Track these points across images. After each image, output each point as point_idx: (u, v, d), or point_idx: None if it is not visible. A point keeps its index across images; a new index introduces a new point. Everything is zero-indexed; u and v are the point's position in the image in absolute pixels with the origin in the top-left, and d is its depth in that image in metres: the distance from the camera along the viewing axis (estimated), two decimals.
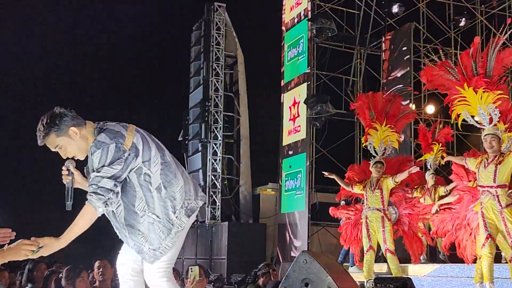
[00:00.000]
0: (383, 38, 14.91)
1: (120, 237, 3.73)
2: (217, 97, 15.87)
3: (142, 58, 19.46)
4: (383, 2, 14.99)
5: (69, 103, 3.64)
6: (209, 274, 12.47)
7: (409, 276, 7.51)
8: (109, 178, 3.42)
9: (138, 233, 3.59)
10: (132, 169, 3.53)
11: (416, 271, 9.01)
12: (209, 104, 15.69)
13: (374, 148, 9.13)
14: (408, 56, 13.98)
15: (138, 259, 3.74)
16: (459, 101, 6.76)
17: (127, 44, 19.34)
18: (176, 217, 3.61)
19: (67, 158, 3.62)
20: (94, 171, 3.44)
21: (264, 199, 15.66)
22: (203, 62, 16.24)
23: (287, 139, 14.21)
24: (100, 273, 5.80)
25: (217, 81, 15.94)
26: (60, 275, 6.06)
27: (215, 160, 15.57)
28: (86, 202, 3.46)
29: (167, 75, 19.13)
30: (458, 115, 6.90)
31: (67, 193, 3.57)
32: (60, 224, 3.65)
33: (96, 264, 5.89)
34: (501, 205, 6.39)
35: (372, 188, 8.71)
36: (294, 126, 13.96)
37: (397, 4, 14.68)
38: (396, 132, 9.16)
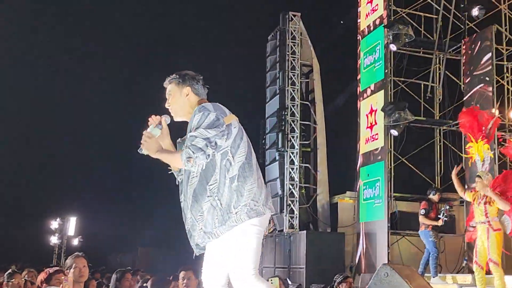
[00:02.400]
0: (463, 42, 14.53)
1: (182, 206, 3.84)
2: (293, 106, 15.90)
3: (217, 70, 19.77)
4: (462, 5, 14.64)
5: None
6: (288, 283, 12.50)
7: None
8: (202, 139, 3.61)
9: (199, 209, 3.69)
10: (220, 149, 3.70)
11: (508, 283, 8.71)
12: (286, 113, 15.73)
13: (476, 162, 9.09)
14: (490, 60, 13.55)
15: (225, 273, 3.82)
16: None
17: (202, 54, 19.72)
18: (236, 212, 3.67)
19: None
20: (190, 131, 3.69)
21: (342, 207, 15.52)
22: (279, 71, 16.32)
23: (364, 147, 14.06)
24: (184, 284, 5.87)
25: (293, 90, 15.96)
26: (145, 284, 6.17)
27: (292, 169, 15.59)
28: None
29: (244, 85, 19.37)
30: None
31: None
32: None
33: (181, 274, 5.95)
34: None
35: (478, 202, 8.67)
36: (372, 134, 13.79)
37: (477, 6, 14.27)
38: (487, 142, 9.04)
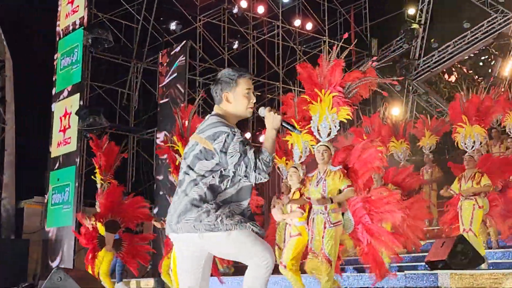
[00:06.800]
0: (160, 53, 15.04)
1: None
2: None
3: None
4: (161, 19, 15.18)
5: None
6: None
7: None
8: None
9: None
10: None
11: None
12: None
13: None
14: (184, 74, 14.24)
15: None
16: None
17: None
18: None
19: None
20: None
21: (28, 213, 14.72)
22: None
23: (56, 151, 13.60)
24: None
25: None
26: None
27: None
28: None
29: None
30: None
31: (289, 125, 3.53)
32: None
33: None
34: (329, 223, 6.01)
35: None
36: (64, 137, 13.41)
37: (175, 22, 14.98)
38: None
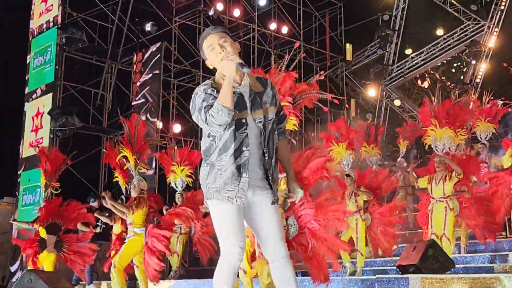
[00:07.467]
0: (135, 54, 14.96)
1: (248, 155, 3.41)
2: None
3: None
4: (136, 19, 15.10)
5: None
6: None
7: None
8: None
9: (277, 165, 3.59)
10: None
11: None
12: None
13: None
14: (158, 74, 14.19)
15: None
16: None
17: None
18: None
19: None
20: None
21: None
22: None
23: (27, 151, 13.43)
24: None
25: None
26: None
27: None
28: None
29: None
30: None
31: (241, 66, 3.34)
32: None
33: None
34: None
35: None
36: (36, 137, 13.25)
37: (150, 23, 14.92)
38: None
